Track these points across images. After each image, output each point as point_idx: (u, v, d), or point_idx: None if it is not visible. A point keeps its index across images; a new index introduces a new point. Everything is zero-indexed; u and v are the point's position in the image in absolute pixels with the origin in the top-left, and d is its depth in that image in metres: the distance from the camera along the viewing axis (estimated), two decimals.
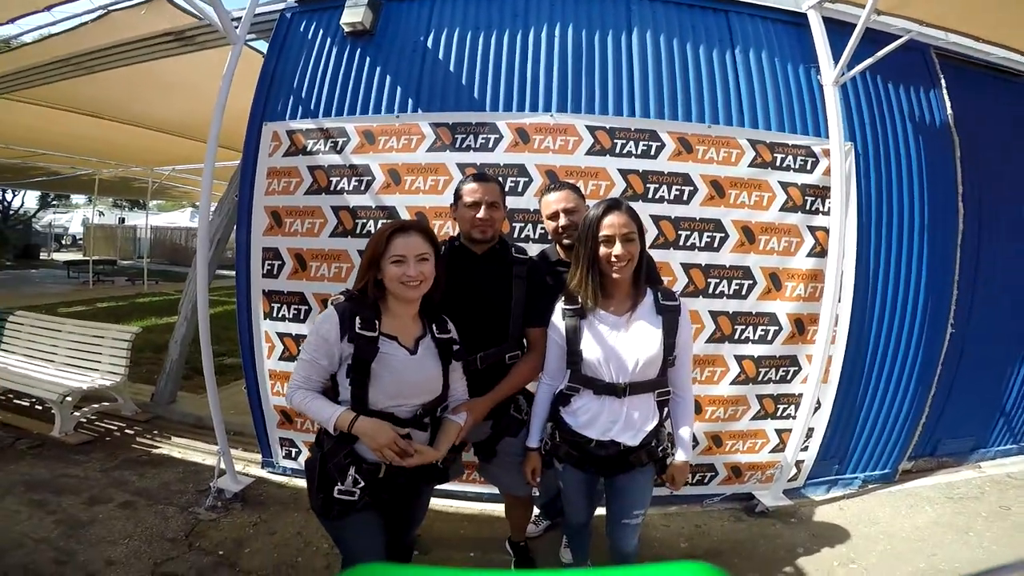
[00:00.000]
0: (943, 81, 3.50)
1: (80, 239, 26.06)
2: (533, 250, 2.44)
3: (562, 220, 2.25)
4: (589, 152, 3.12)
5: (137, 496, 3.15)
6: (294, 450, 3.43)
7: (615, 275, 1.80)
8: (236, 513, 3.03)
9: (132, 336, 4.36)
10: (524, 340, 2.19)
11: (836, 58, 3.09)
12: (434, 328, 1.81)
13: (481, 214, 2.06)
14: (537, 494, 2.60)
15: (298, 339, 3.29)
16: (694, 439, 3.05)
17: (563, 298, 1.93)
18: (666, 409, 1.96)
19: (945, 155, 3.45)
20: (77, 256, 19.47)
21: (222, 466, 3.19)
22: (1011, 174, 3.68)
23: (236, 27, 2.93)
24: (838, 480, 3.51)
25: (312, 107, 3.32)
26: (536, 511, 2.89)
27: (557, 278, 2.26)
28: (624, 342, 1.83)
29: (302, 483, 3.31)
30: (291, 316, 3.32)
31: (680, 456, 1.97)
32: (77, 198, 24.58)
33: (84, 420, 4.18)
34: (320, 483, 1.70)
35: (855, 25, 3.00)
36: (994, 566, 0.81)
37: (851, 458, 3.51)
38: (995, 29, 3.17)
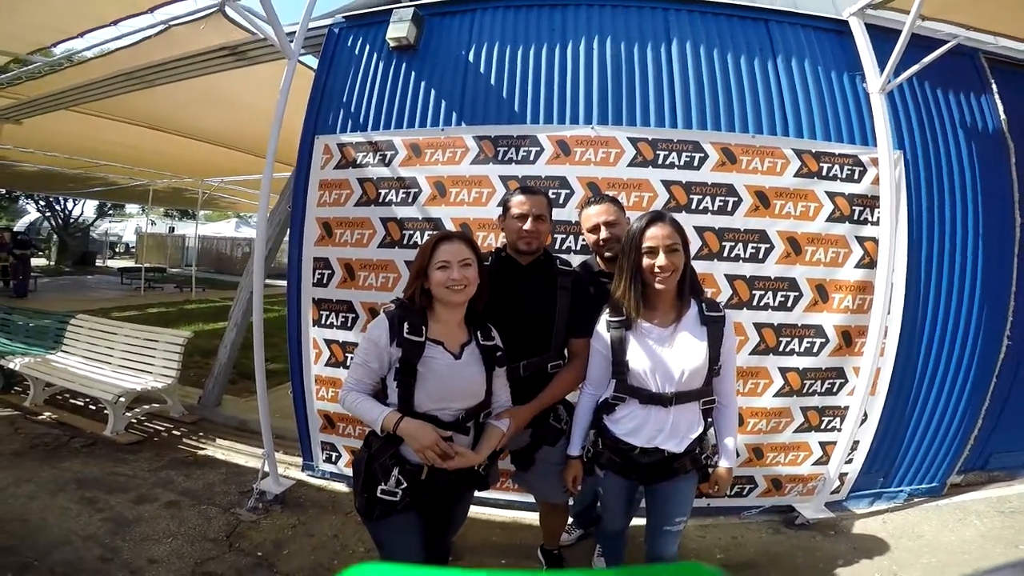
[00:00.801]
0: (994, 86, 3.33)
1: (133, 247, 27.09)
2: (574, 262, 2.42)
3: (603, 233, 2.22)
4: (631, 164, 3.06)
5: (182, 496, 3.19)
6: (334, 454, 3.43)
7: (659, 286, 1.78)
8: (276, 515, 3.04)
9: (185, 340, 4.45)
10: (566, 350, 2.16)
11: (880, 65, 2.97)
12: (479, 335, 1.83)
13: (528, 226, 2.05)
14: (572, 502, 2.53)
15: (345, 346, 3.31)
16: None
17: (608, 309, 1.92)
18: (710, 418, 1.94)
19: (999, 162, 3.27)
20: (130, 263, 20.20)
21: (266, 468, 3.20)
22: None
23: (290, 42, 2.96)
24: (883, 493, 3.34)
25: (361, 120, 3.34)
26: (569, 520, 2.82)
27: (600, 289, 2.24)
28: (670, 353, 1.82)
29: (340, 487, 3.38)
30: (339, 324, 3.33)
31: (724, 464, 1.94)
32: (131, 208, 25.48)
33: (134, 420, 4.26)
34: (365, 482, 1.73)
35: (898, 31, 2.89)
36: (994, 566, 0.73)
37: (897, 471, 3.34)
38: None
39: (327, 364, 3.36)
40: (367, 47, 3.44)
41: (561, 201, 3.03)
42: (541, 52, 3.24)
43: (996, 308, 3.26)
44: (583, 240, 2.98)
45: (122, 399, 4.00)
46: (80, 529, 2.77)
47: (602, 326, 1.91)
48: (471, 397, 1.77)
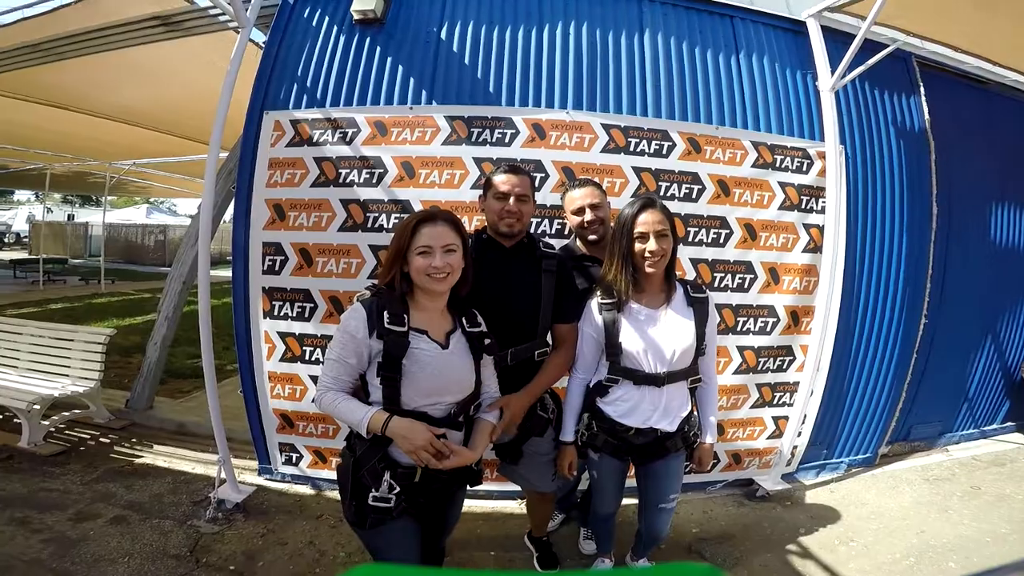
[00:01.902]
0: (922, 88, 3.56)
1: (25, 237, 23.73)
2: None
3: (587, 215, 2.17)
4: (604, 150, 2.99)
5: (128, 510, 2.78)
6: (295, 455, 3.12)
7: (649, 270, 1.79)
8: (240, 524, 2.72)
9: (106, 338, 3.90)
10: (550, 336, 2.04)
11: (832, 65, 3.07)
12: (464, 322, 1.65)
13: (511, 205, 1.91)
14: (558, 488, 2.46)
15: (302, 339, 3.00)
16: None
17: (599, 293, 1.89)
18: (695, 396, 2.00)
19: (921, 158, 3.51)
20: (23, 255, 17.76)
21: (223, 475, 2.86)
22: (977, 175, 3.79)
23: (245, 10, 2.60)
24: (826, 464, 3.54)
25: (318, 96, 3.01)
26: None
27: (583, 273, 2.16)
28: (661, 333, 1.83)
29: (304, 490, 3.09)
30: (294, 314, 3.01)
31: (708, 440, 2.00)
32: (21, 194, 22.39)
33: (53, 429, 3.68)
34: (353, 491, 1.52)
35: (847, 33, 3.06)
36: (994, 566, 0.75)
37: (838, 443, 3.55)
38: (971, 39, 3.26)
39: (282, 359, 3.03)
40: (326, 19, 3.10)
41: (536, 184, 2.88)
42: (518, 33, 3.08)
43: (916, 289, 3.53)
44: (559, 224, 2.91)
45: (36, 407, 3.43)
46: (20, 553, 2.36)
47: (594, 309, 1.88)
48: (462, 389, 1.59)
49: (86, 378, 3.81)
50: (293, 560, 2.46)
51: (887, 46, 3.07)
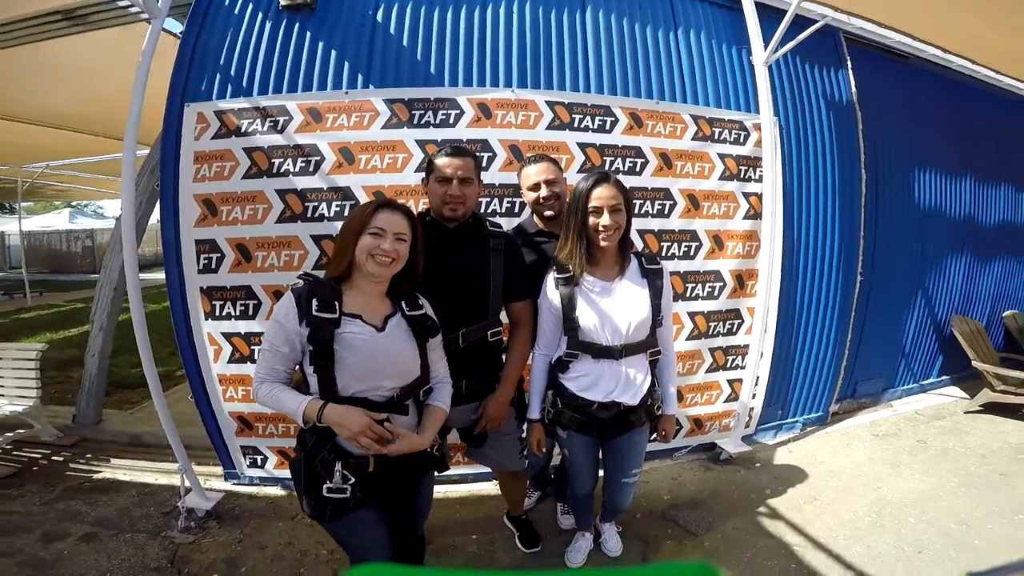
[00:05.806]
0: (849, 62, 3.76)
1: None
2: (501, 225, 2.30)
3: (543, 191, 2.18)
4: (549, 127, 3.02)
5: (97, 527, 2.70)
6: (259, 457, 3.07)
7: (603, 243, 1.83)
8: (214, 532, 2.67)
9: (38, 353, 3.71)
10: (503, 315, 2.05)
11: (765, 40, 3.18)
12: (404, 306, 1.62)
13: (453, 189, 1.86)
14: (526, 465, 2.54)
15: (249, 338, 2.92)
16: None
17: (554, 268, 1.91)
18: (656, 369, 2.03)
19: (850, 127, 3.73)
20: None
21: (187, 484, 2.80)
22: (901, 144, 4.07)
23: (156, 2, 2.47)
24: (782, 425, 3.74)
25: (244, 85, 2.88)
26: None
27: (535, 250, 2.18)
28: (616, 306, 1.87)
29: (275, 491, 3.07)
30: (237, 313, 2.91)
31: (669, 410, 2.05)
32: None
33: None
34: (307, 484, 1.51)
35: (779, 9, 3.18)
36: (994, 566, 0.85)
37: (791, 403, 3.76)
38: (894, 14, 3.43)
39: (230, 361, 2.94)
40: (249, 7, 2.95)
41: (484, 164, 2.91)
42: (459, 13, 3.04)
43: (850, 250, 3.76)
44: (508, 202, 2.94)
45: None
46: None
47: (550, 285, 1.92)
48: (403, 373, 1.57)
49: (23, 396, 3.63)
50: (275, 563, 2.44)
51: (816, 22, 3.19)
